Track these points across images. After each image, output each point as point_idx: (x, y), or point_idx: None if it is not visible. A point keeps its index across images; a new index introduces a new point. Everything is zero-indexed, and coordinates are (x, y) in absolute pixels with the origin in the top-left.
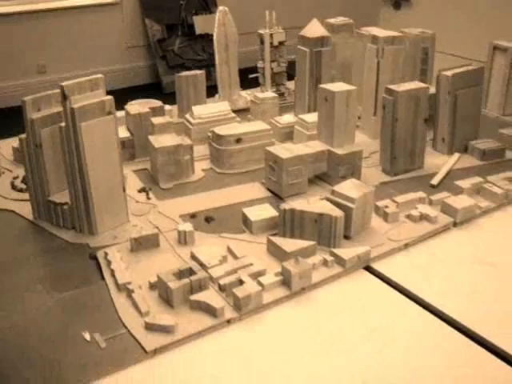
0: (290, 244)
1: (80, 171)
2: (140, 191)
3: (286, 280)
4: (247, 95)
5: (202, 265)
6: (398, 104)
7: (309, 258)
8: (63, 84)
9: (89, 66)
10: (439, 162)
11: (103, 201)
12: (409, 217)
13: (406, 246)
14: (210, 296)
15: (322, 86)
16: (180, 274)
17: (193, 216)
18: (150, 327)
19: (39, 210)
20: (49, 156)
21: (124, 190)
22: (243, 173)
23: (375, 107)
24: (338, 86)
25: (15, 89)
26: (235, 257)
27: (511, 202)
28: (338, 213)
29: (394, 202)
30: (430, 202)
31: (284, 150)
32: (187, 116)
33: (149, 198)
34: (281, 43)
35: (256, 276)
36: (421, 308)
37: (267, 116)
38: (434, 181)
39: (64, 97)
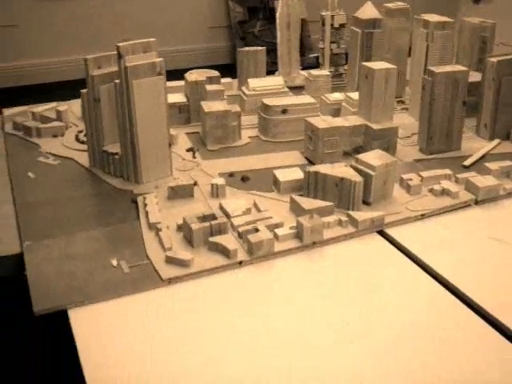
0: (309, 203)
1: (130, 125)
2: (188, 150)
3: (299, 233)
4: (306, 73)
5: (226, 214)
6: (435, 85)
7: (325, 217)
8: (119, 44)
9: (172, 44)
10: (478, 146)
11: (149, 153)
12: (431, 191)
13: (423, 216)
14: (227, 239)
15: (364, 63)
16: (203, 218)
17: (231, 175)
18: (170, 260)
19: (94, 159)
20: (105, 110)
21: (169, 146)
22: (286, 142)
23: None
24: (378, 65)
25: None
26: (258, 210)
27: None
28: (357, 178)
29: (419, 176)
30: (456, 180)
31: (322, 122)
32: (243, 88)
33: (194, 157)
34: (341, 25)
35: (273, 228)
36: (424, 273)
37: (320, 93)
38: (467, 162)
39: (119, 56)
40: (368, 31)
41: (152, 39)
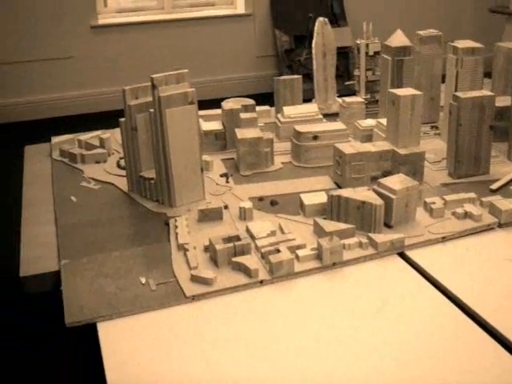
0: (331, 225)
1: (164, 151)
2: (222, 176)
3: (319, 254)
4: (340, 100)
5: (252, 236)
6: (461, 110)
7: (346, 239)
8: (153, 76)
9: (220, 73)
10: (508, 170)
11: (182, 178)
12: (454, 214)
13: (444, 239)
14: (250, 260)
15: (391, 90)
16: (228, 240)
17: (260, 199)
18: (194, 279)
19: (132, 184)
20: (142, 138)
21: (202, 171)
22: (317, 167)
23: None
24: (404, 91)
25: None
26: (283, 232)
27: None
28: (378, 201)
29: (443, 199)
30: (481, 203)
31: (349, 147)
32: (278, 115)
33: (227, 182)
34: (376, 53)
35: (295, 249)
36: (443, 296)
37: (353, 119)
38: (494, 186)
39: (153, 86)
40: (398, 58)
41: (185, 70)
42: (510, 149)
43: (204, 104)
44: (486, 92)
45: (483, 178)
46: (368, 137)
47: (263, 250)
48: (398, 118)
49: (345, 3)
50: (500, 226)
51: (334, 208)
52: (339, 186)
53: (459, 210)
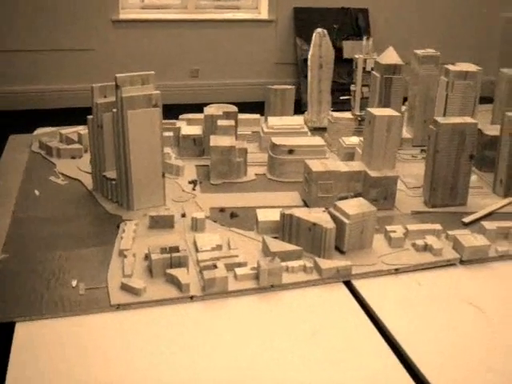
0: (278, 245)
1: (124, 153)
2: (190, 182)
3: (257, 274)
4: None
5: (196, 248)
6: (440, 136)
7: (292, 261)
8: (117, 75)
9: (237, 76)
10: (487, 203)
11: (142, 182)
12: (414, 245)
13: (397, 271)
14: (183, 273)
15: (369, 109)
16: (166, 250)
17: (222, 210)
18: (124, 287)
19: (96, 183)
20: (107, 137)
21: (163, 176)
22: (290, 182)
23: None
24: (382, 111)
25: (169, 89)
26: (229, 247)
27: None
28: (330, 225)
29: (405, 228)
30: (446, 237)
31: (319, 164)
32: (262, 125)
33: (194, 189)
34: (373, 69)
35: (235, 266)
36: (376, 331)
37: (340, 135)
38: (467, 219)
39: (116, 86)
40: (387, 76)
41: (151, 72)
42: (495, 181)
43: None
44: (468, 119)
45: (460, 210)
46: (351, 155)
47: (201, 265)
48: (372, 138)
49: (370, 17)
50: (462, 262)
51: (286, 227)
52: (307, 204)
53: (419, 242)
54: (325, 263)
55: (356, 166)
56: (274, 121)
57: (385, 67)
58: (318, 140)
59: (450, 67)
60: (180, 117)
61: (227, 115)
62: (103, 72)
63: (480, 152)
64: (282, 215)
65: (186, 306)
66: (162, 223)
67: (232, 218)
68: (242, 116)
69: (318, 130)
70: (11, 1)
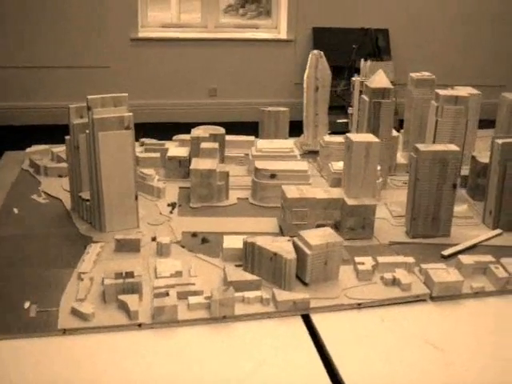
0: (236, 274)
1: (96, 175)
2: (169, 205)
3: (210, 304)
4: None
5: (156, 274)
6: (420, 164)
7: (249, 292)
8: (88, 97)
9: (255, 96)
10: (475, 235)
11: (114, 204)
12: (382, 279)
13: (360, 306)
14: (135, 300)
15: (348, 134)
16: (121, 275)
17: (194, 235)
18: (73, 311)
19: (73, 202)
20: (83, 157)
21: (136, 199)
22: (272, 207)
23: None
24: (361, 137)
25: (187, 107)
26: (190, 275)
27: None
28: (290, 255)
29: (375, 260)
30: (420, 270)
31: (295, 191)
32: (252, 148)
33: (171, 212)
34: (363, 93)
35: (190, 294)
36: (325, 371)
37: (330, 160)
38: (446, 252)
39: (88, 108)
40: (376, 100)
41: (124, 94)
42: (484, 211)
43: (235, 126)
44: (451, 146)
45: (442, 241)
46: (338, 180)
47: (154, 292)
48: (350, 164)
49: (391, 37)
50: (433, 299)
51: (249, 256)
52: (282, 231)
53: (387, 276)
54: (281, 295)
55: (335, 193)
56: (263, 144)
57: (373, 91)
58: (302, 165)
59: (440, 91)
60: (174, 137)
61: (214, 137)
62: (117, 90)
63: (473, 180)
64: (245, 243)
65: (135, 334)
66: (128, 247)
67: (203, 243)
68: (235, 138)
69: (313, 154)
70: (26, 17)
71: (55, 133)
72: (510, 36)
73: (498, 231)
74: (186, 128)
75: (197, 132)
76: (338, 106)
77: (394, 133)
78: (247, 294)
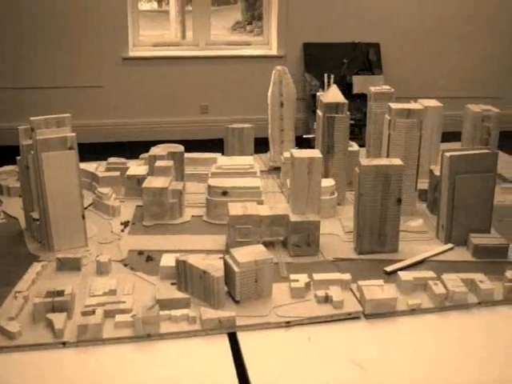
0: (166, 292)
1: (42, 194)
2: (122, 223)
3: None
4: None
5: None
6: (363, 178)
7: (176, 310)
8: (31, 118)
9: (247, 112)
10: (423, 250)
11: (61, 224)
12: (315, 296)
13: (288, 324)
14: (62, 318)
15: (292, 149)
16: (52, 294)
17: (140, 253)
18: (1, 330)
19: (26, 222)
20: (33, 177)
21: (83, 218)
22: (224, 225)
23: None
24: (304, 153)
25: (178, 125)
26: (123, 293)
27: (458, 307)
28: (218, 273)
29: (310, 278)
30: (358, 287)
31: (239, 208)
32: (213, 165)
33: (122, 231)
34: (317, 108)
35: (118, 313)
36: None
37: (289, 176)
38: (389, 268)
39: (31, 129)
40: (329, 115)
41: (67, 115)
42: (437, 226)
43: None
44: (396, 161)
45: (389, 257)
46: None
47: (81, 310)
48: (294, 181)
49: (382, 51)
50: (367, 317)
51: (181, 274)
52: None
53: (320, 293)
54: (207, 313)
55: (281, 209)
56: (223, 161)
57: (327, 106)
58: (254, 182)
59: (393, 105)
60: (141, 156)
61: (172, 155)
62: (111, 109)
63: (431, 194)
64: (177, 261)
65: (60, 352)
66: (69, 265)
67: (147, 261)
68: (201, 155)
69: (278, 170)
70: (17, 38)
71: None
72: (501, 48)
73: (449, 246)
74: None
75: (155, 150)
76: None
77: (355, 147)
78: (174, 312)
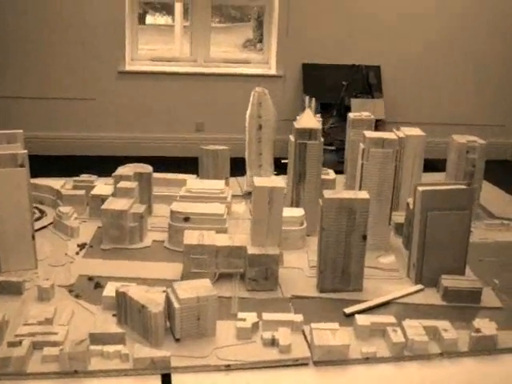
0: (101, 325)
1: None
2: (79, 245)
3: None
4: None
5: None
6: (325, 212)
7: (110, 346)
8: None
9: (243, 131)
10: (390, 290)
11: (9, 244)
12: (262, 338)
13: (228, 367)
14: None
15: (255, 178)
16: None
17: (90, 278)
18: None
19: None
20: None
21: (33, 239)
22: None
23: None
24: (266, 181)
25: (172, 141)
26: (58, 323)
27: (418, 358)
28: (157, 309)
29: (259, 317)
30: (310, 330)
31: (197, 237)
32: (183, 188)
33: (77, 254)
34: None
35: (48, 345)
36: None
37: None
38: (348, 310)
39: None
40: (301, 142)
41: (19, 131)
42: (409, 264)
43: None
44: (361, 194)
45: (353, 296)
46: None
47: (10, 340)
48: (254, 211)
49: (382, 74)
50: (316, 364)
51: (122, 306)
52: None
53: (266, 335)
54: (140, 352)
55: (239, 240)
56: (193, 184)
57: (299, 131)
58: (218, 208)
59: (367, 133)
60: (113, 174)
61: (139, 176)
62: (102, 122)
63: (407, 228)
64: (117, 293)
65: None
66: (9, 289)
67: (96, 288)
68: (173, 176)
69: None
70: (12, 49)
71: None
72: (502, 75)
73: (418, 287)
74: (171, 162)
75: (122, 170)
76: (326, 143)
77: (332, 175)
78: (107, 347)
